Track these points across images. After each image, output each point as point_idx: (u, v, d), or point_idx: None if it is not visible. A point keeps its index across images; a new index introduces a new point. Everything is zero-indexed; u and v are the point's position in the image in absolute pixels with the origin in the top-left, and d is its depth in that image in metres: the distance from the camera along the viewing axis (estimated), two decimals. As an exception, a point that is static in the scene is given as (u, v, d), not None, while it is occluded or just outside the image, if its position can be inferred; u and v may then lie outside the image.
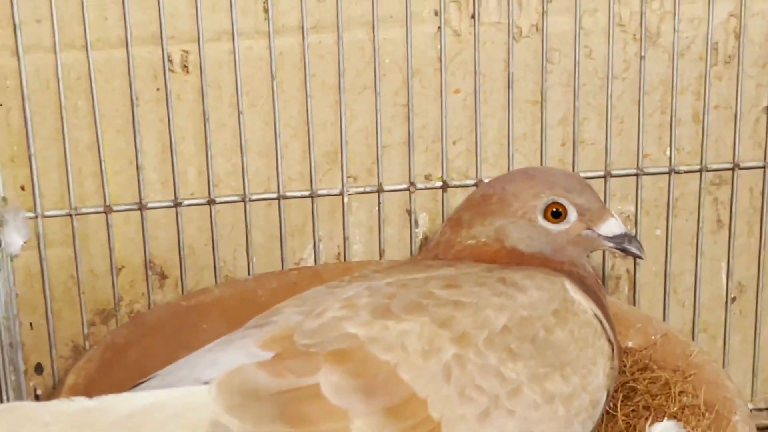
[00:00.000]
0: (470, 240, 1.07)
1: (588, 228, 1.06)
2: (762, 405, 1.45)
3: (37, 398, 1.36)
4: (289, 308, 0.98)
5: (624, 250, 1.07)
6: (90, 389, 1.06)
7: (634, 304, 1.40)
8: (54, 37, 1.24)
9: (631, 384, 1.12)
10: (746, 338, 1.44)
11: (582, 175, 1.33)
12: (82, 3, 1.24)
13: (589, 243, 1.07)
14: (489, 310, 0.95)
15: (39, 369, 1.35)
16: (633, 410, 1.10)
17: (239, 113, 1.30)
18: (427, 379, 0.90)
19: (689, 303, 1.42)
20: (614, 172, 1.36)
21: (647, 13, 1.33)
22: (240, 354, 0.91)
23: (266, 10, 1.28)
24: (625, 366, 1.13)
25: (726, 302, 1.43)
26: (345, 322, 0.92)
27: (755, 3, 1.34)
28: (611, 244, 1.07)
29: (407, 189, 1.35)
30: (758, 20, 1.35)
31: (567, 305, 0.99)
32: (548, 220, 1.06)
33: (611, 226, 1.07)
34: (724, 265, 1.42)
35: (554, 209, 1.06)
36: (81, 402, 0.84)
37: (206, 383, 0.87)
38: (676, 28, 1.33)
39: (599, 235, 1.07)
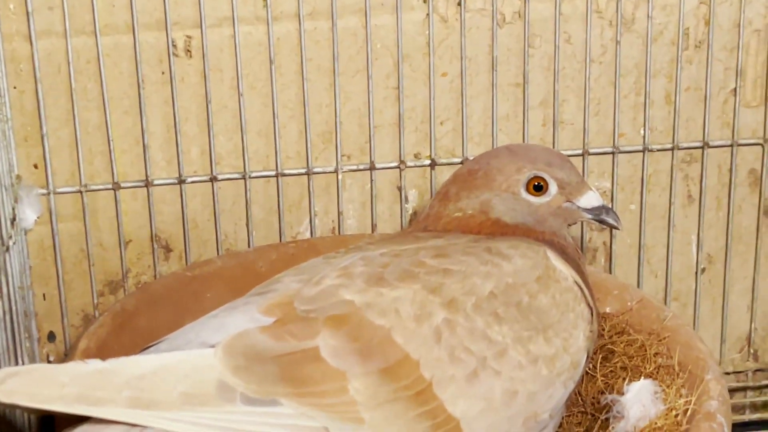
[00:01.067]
0: (457, 212, 1.07)
1: (568, 200, 1.06)
2: (729, 369, 1.45)
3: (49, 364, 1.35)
4: (288, 277, 0.98)
5: (602, 221, 1.08)
6: (101, 353, 1.06)
7: (611, 274, 1.40)
8: (65, 23, 1.24)
9: (609, 346, 1.12)
10: (715, 306, 1.44)
11: (562, 152, 1.33)
12: (91, -10, 1.24)
13: (569, 215, 1.07)
14: (476, 277, 0.95)
15: (51, 337, 1.35)
16: (611, 371, 1.10)
17: (239, 95, 1.29)
18: (419, 342, 0.90)
19: (662, 273, 1.42)
20: (591, 151, 1.36)
21: (622, 0, 1.33)
22: (244, 319, 0.91)
23: (265, -2, 1.28)
24: (603, 330, 1.13)
25: (696, 272, 1.43)
26: (342, 289, 0.92)
27: (724, -9, 1.34)
28: (590, 216, 1.07)
29: (398, 167, 1.35)
30: (726, 7, 1.35)
31: (549, 272, 0.99)
32: (530, 193, 1.06)
33: (590, 199, 1.07)
34: (694, 237, 1.42)
35: (536, 183, 1.06)
36: (95, 364, 0.84)
37: (212, 347, 0.87)
38: (650, 14, 1.33)
39: (578, 207, 1.07)
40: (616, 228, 1.08)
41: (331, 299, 0.92)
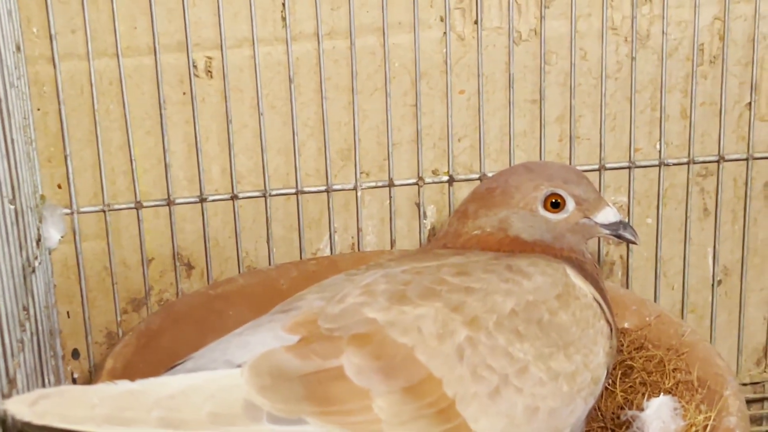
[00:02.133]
0: (476, 230, 1.07)
1: (585, 216, 1.07)
2: (747, 380, 1.45)
3: (74, 381, 1.36)
4: (311, 294, 0.98)
5: (619, 237, 1.08)
6: (127, 372, 1.06)
7: (628, 288, 1.40)
8: (87, 45, 1.25)
9: (629, 362, 1.12)
10: (731, 318, 1.44)
11: (578, 168, 1.34)
12: (113, 14, 1.24)
13: (586, 230, 1.07)
14: (497, 295, 0.95)
15: (75, 354, 1.35)
16: (630, 386, 1.10)
17: (259, 114, 1.30)
18: (441, 360, 0.90)
19: (678, 286, 1.42)
20: (608, 166, 1.37)
21: (638, 17, 1.33)
22: (268, 337, 0.91)
23: (284, 19, 1.28)
24: (622, 345, 1.13)
25: (712, 285, 1.43)
26: (365, 307, 0.92)
27: (738, 6, 1.34)
28: (607, 231, 1.07)
29: (416, 183, 1.35)
30: (741, 23, 1.35)
31: (569, 289, 1.00)
32: (548, 210, 1.06)
33: (607, 215, 1.07)
34: (710, 250, 1.42)
35: (553, 200, 1.06)
36: (124, 385, 0.84)
37: (238, 365, 0.87)
38: (665, 30, 1.33)
39: (596, 223, 1.07)
40: (634, 243, 1.08)
41: (354, 317, 0.92)
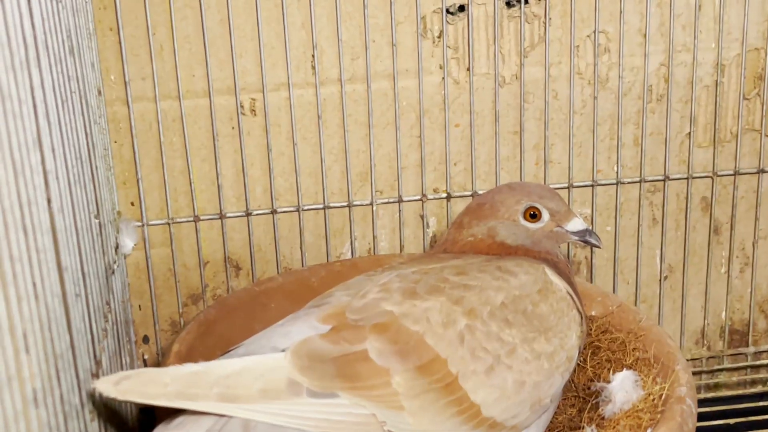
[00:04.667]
0: (470, 237, 1.07)
1: (558, 225, 1.07)
2: (688, 357, 1.44)
3: (144, 362, 1.35)
4: (339, 291, 0.98)
5: (586, 242, 1.08)
6: (190, 354, 1.06)
7: (592, 282, 1.39)
8: (155, 90, 1.24)
9: (596, 343, 1.12)
10: (675, 307, 1.44)
11: (551, 186, 1.33)
12: (176, 64, 1.24)
13: (559, 237, 1.07)
14: (490, 290, 0.95)
15: (146, 340, 1.35)
16: (598, 363, 1.09)
17: (294, 144, 1.29)
18: (446, 343, 0.90)
19: (632, 281, 1.42)
20: (575, 184, 1.36)
21: (599, 64, 1.32)
22: (305, 327, 0.91)
23: (313, 67, 1.27)
24: (591, 330, 1.13)
25: (660, 280, 1.42)
26: (383, 301, 0.92)
27: (680, 55, 1.34)
28: (576, 237, 1.07)
29: (420, 199, 1.34)
30: (682, 68, 1.34)
31: (547, 285, 0.99)
32: (527, 221, 1.06)
33: (576, 224, 1.07)
34: (658, 252, 1.41)
35: (532, 212, 1.06)
36: (190, 367, 0.84)
37: (282, 350, 0.87)
38: (621, 75, 1.33)
39: (567, 230, 1.07)
40: (598, 247, 1.08)
41: (375, 310, 0.92)
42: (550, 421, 1.03)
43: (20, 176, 0.67)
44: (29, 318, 0.66)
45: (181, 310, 1.33)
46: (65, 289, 0.77)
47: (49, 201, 0.74)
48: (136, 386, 0.81)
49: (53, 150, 0.78)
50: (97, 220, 1.01)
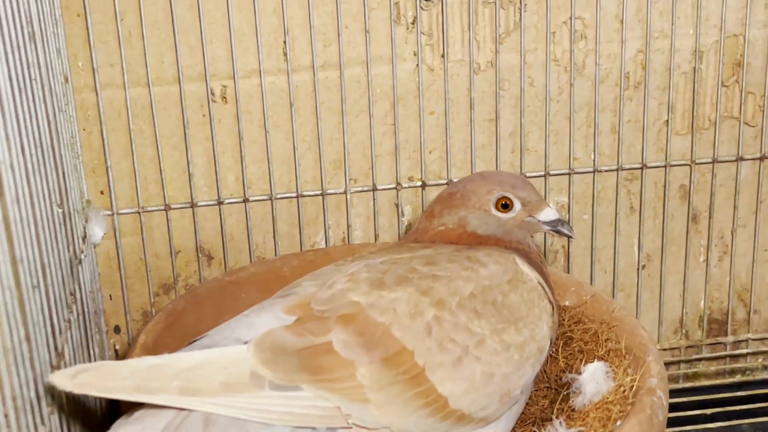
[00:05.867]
0: (441, 227, 1.06)
1: (530, 215, 1.06)
2: (666, 346, 1.44)
3: (116, 352, 1.34)
4: (306, 281, 0.97)
5: (558, 232, 1.07)
6: (157, 345, 1.05)
7: (569, 272, 1.39)
8: (123, 77, 1.23)
9: (569, 334, 1.11)
10: (653, 296, 1.43)
11: (527, 175, 1.33)
12: (145, 51, 1.23)
13: (531, 227, 1.06)
14: (459, 281, 0.94)
15: (117, 330, 1.34)
16: (570, 354, 1.09)
17: (266, 132, 1.28)
18: (413, 335, 0.89)
19: (610, 270, 1.41)
20: (552, 172, 1.35)
21: (575, 51, 1.31)
22: (270, 318, 0.90)
23: (285, 54, 1.26)
24: (563, 320, 1.12)
25: (638, 269, 1.42)
26: (350, 292, 0.92)
27: (657, 42, 1.33)
28: (548, 227, 1.07)
29: (395, 188, 1.33)
30: (659, 55, 1.33)
31: (518, 276, 0.98)
32: (499, 210, 1.05)
33: (548, 214, 1.06)
34: (636, 240, 1.41)
35: (503, 202, 1.05)
36: (150, 360, 0.83)
37: (245, 342, 0.87)
38: (597, 62, 1.32)
39: (539, 220, 1.06)
40: (570, 237, 1.08)
41: (341, 300, 0.91)
42: (522, 413, 1.02)
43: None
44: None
45: (152, 300, 1.32)
46: (20, 281, 0.76)
47: (0, 191, 0.73)
48: (93, 379, 0.80)
49: (7, 139, 0.77)
50: (60, 210, 1.00)
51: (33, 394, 0.78)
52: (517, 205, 1.05)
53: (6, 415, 0.69)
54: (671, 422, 1.32)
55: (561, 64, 1.32)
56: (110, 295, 1.32)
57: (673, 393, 1.39)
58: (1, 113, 0.76)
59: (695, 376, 1.46)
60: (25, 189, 0.82)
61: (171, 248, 1.31)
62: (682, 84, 1.35)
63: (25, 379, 0.76)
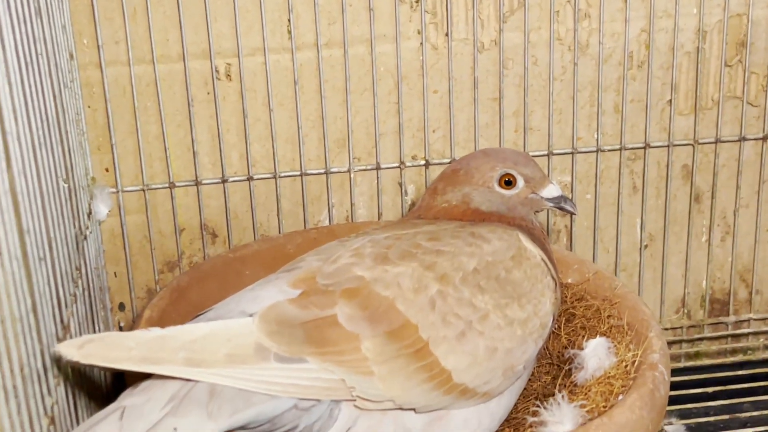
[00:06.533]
0: (444, 203, 1.06)
1: (533, 192, 1.06)
2: (668, 326, 1.45)
3: (120, 329, 1.35)
4: (311, 256, 0.97)
5: (561, 208, 1.07)
6: (162, 320, 1.05)
7: (572, 251, 1.39)
8: (128, 54, 1.23)
9: (571, 310, 1.11)
10: (655, 276, 1.44)
11: (531, 154, 1.33)
12: (150, 28, 1.23)
13: (534, 203, 1.07)
14: (463, 256, 0.95)
15: (121, 307, 1.34)
16: (573, 330, 1.09)
17: (270, 110, 1.29)
18: (417, 309, 0.89)
19: (612, 249, 1.42)
20: (555, 152, 1.35)
21: (579, 30, 1.32)
22: (275, 291, 0.90)
23: (290, 32, 1.26)
24: (566, 297, 1.13)
25: (640, 248, 1.42)
26: (354, 266, 0.92)
27: (661, 21, 1.33)
28: (551, 204, 1.07)
29: (399, 166, 1.34)
30: (663, 34, 1.33)
31: (521, 252, 0.99)
32: (502, 187, 1.05)
33: (551, 190, 1.06)
34: (638, 220, 1.41)
35: (506, 179, 1.05)
36: (156, 331, 0.83)
37: (250, 315, 0.87)
38: (601, 41, 1.32)
39: (542, 197, 1.06)
40: (573, 213, 1.08)
41: (346, 275, 0.91)
42: (525, 388, 1.03)
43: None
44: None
45: (157, 278, 1.32)
46: (26, 252, 0.77)
47: (8, 162, 0.73)
48: (99, 350, 0.80)
49: (14, 111, 0.77)
50: (66, 185, 1.01)
51: (40, 364, 0.79)
52: (520, 182, 1.05)
53: (14, 386, 0.70)
54: (672, 401, 1.32)
55: (564, 43, 1.32)
56: (115, 273, 1.32)
57: (675, 372, 1.40)
58: (8, 85, 0.76)
59: (697, 355, 1.46)
60: (31, 161, 0.83)
61: (175, 226, 1.31)
62: (686, 64, 1.36)
63: (32, 350, 0.76)
